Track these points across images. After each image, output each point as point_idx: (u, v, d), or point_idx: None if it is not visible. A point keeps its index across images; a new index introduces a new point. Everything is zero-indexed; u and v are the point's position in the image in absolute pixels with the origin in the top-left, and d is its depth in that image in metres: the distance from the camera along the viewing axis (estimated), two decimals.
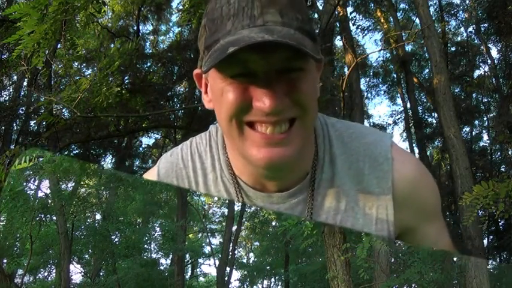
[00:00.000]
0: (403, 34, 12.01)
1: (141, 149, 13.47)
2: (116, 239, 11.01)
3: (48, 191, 9.55)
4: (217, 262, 13.33)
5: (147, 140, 13.68)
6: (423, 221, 0.85)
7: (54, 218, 9.28)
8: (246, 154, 0.71)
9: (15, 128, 10.32)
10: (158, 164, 0.88)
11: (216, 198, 18.35)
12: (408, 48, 13.53)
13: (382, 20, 13.40)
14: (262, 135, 0.68)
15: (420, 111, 13.37)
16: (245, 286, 14.22)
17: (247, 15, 0.65)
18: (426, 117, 13.73)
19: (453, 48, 13.56)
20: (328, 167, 0.80)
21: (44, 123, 7.04)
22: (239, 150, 0.72)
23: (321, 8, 10.67)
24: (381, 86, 15.04)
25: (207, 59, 0.67)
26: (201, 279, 16.47)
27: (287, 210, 0.80)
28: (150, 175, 0.89)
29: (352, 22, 12.93)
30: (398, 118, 14.76)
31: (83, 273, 10.82)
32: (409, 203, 0.81)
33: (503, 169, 11.86)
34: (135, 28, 10.77)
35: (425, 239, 0.86)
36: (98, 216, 11.46)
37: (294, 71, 0.67)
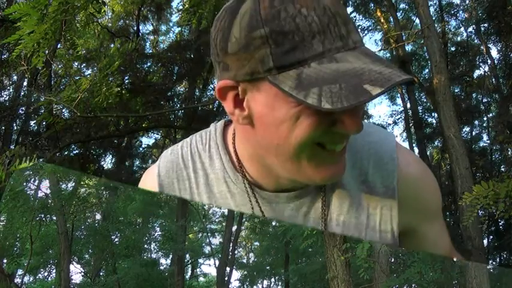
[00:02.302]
0: (403, 34, 12.02)
1: (141, 149, 13.48)
2: (116, 239, 11.02)
3: (48, 191, 9.57)
4: (217, 262, 13.32)
5: (147, 140, 13.68)
6: (425, 221, 0.84)
7: (54, 218, 9.29)
8: (310, 174, 0.68)
9: (15, 128, 10.33)
10: (158, 163, 0.86)
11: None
12: (408, 48, 13.54)
13: (382, 20, 13.40)
14: (331, 152, 0.67)
15: (420, 111, 13.37)
16: (245, 286, 14.23)
17: (336, 35, 0.60)
18: (426, 117, 13.73)
19: (453, 48, 13.56)
20: None
21: (44, 123, 7.04)
22: (296, 170, 0.69)
23: None
24: None
25: (314, 90, 0.58)
26: (201, 279, 16.47)
27: (292, 210, 0.79)
28: (150, 174, 0.87)
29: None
30: (398, 118, 14.78)
31: (83, 273, 10.82)
32: (413, 203, 0.80)
33: (503, 169, 11.87)
34: (135, 28, 10.77)
35: (426, 238, 0.86)
36: (98, 216, 11.48)
37: None
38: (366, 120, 0.91)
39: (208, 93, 12.25)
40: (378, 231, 0.79)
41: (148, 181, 0.87)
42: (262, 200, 0.79)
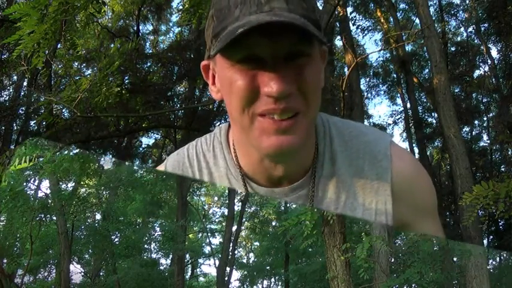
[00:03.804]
0: (403, 34, 12.02)
1: (141, 149, 13.46)
2: (116, 239, 11.00)
3: (48, 191, 9.55)
4: (217, 262, 13.32)
5: (147, 140, 13.68)
6: (419, 218, 0.86)
7: (54, 218, 9.27)
8: (256, 143, 0.72)
9: (15, 128, 10.33)
10: (165, 162, 0.91)
11: (216, 198, 18.38)
12: (408, 48, 13.54)
13: (382, 20, 13.40)
14: (271, 120, 0.69)
15: (420, 111, 13.37)
16: (245, 286, 14.23)
17: (254, 3, 0.67)
18: (426, 117, 13.73)
19: (453, 48, 13.56)
20: (328, 164, 0.82)
21: (44, 123, 7.04)
22: (249, 140, 0.73)
23: (321, 8, 10.68)
24: (381, 86, 15.05)
25: (215, 44, 0.69)
26: (201, 279, 16.47)
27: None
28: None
29: (352, 22, 12.95)
30: (398, 118, 14.78)
31: (83, 273, 10.81)
32: (407, 199, 0.83)
33: (503, 169, 11.87)
34: (135, 28, 10.77)
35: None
36: (98, 216, 11.46)
37: (300, 56, 0.68)
38: (360, 123, 0.92)
39: (208, 93, 12.25)
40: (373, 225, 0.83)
41: None
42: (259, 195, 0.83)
